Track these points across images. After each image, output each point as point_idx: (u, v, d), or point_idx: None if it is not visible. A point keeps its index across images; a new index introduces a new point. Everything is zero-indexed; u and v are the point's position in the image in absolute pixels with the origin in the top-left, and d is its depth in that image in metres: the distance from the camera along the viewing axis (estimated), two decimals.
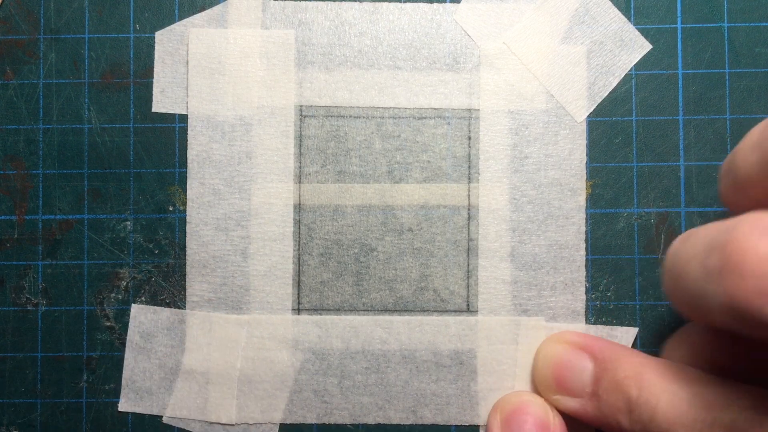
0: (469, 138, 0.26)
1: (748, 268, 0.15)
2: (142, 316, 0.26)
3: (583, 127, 0.26)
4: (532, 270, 0.26)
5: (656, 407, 0.19)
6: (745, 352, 0.20)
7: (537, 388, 0.25)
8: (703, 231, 0.18)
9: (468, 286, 0.26)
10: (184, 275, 0.26)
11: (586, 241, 0.26)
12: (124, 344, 0.26)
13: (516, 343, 0.26)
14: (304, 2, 0.26)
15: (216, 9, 0.26)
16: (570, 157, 0.26)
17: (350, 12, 0.26)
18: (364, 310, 0.26)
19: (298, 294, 0.26)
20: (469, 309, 0.26)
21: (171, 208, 0.26)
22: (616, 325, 0.26)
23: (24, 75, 0.26)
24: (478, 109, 0.26)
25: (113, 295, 0.26)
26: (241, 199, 0.26)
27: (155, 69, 0.26)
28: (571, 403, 0.23)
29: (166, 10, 0.27)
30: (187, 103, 0.26)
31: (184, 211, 0.26)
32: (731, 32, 0.26)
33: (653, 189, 0.26)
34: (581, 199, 0.26)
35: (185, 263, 0.26)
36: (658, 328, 0.26)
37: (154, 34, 0.26)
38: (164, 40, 0.26)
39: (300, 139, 0.26)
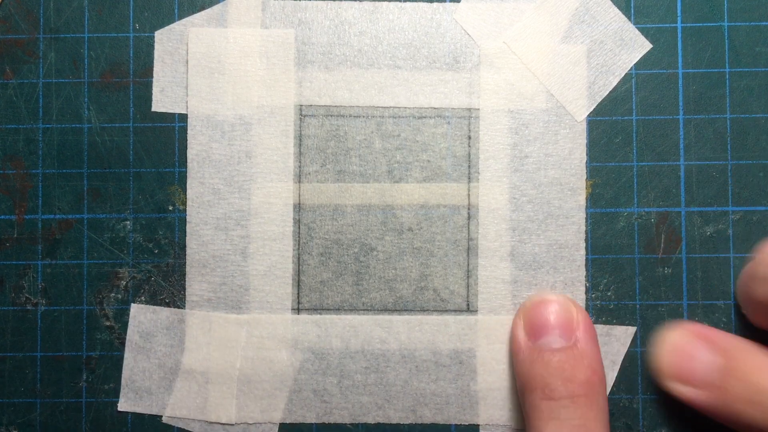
0: (469, 137, 0.26)
1: None
2: (141, 315, 0.26)
3: (583, 126, 0.26)
4: (532, 269, 0.26)
5: None
6: None
7: (656, 375, 0.25)
8: None
9: (468, 286, 0.26)
10: (183, 275, 0.26)
11: (586, 240, 0.26)
12: (123, 344, 0.26)
13: None
14: (303, 1, 0.26)
15: (216, 8, 0.26)
16: (570, 156, 0.26)
17: (350, 11, 0.26)
18: (363, 310, 0.26)
19: (298, 294, 0.26)
20: (469, 308, 0.26)
21: (171, 208, 0.26)
22: (616, 324, 0.26)
23: (23, 74, 0.26)
24: (478, 109, 0.26)
25: (113, 294, 0.26)
26: (241, 198, 0.26)
27: (155, 68, 0.26)
28: (691, 393, 0.23)
29: (166, 9, 0.27)
30: (186, 102, 0.26)
31: (184, 210, 0.26)
32: (731, 31, 0.26)
33: (653, 188, 0.26)
34: (581, 198, 0.26)
35: (185, 263, 0.26)
36: (657, 327, 0.26)
37: (153, 33, 0.26)
38: (164, 39, 0.26)
39: (300, 139, 0.26)
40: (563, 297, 0.25)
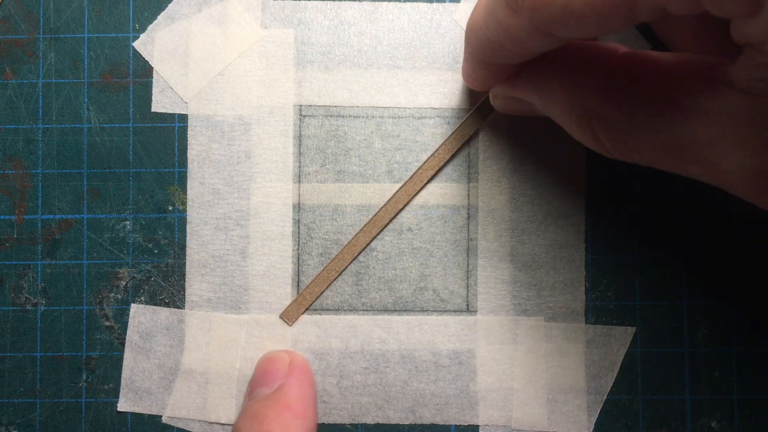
0: (469, 137, 0.26)
1: None
2: (141, 315, 0.26)
3: None
4: (532, 270, 0.26)
5: None
6: None
7: None
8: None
9: (467, 286, 0.26)
10: (183, 275, 0.26)
11: (586, 240, 0.26)
12: (123, 344, 0.26)
13: (515, 342, 0.26)
14: (303, 1, 0.26)
15: (216, 8, 0.26)
16: (570, 156, 0.26)
17: (349, 11, 0.26)
18: (363, 310, 0.26)
19: (298, 294, 0.26)
20: (469, 309, 0.26)
21: (170, 208, 0.26)
22: (616, 324, 0.26)
23: (23, 75, 0.26)
24: None
25: (112, 294, 0.26)
26: (241, 198, 0.26)
27: (155, 69, 0.26)
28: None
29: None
30: (186, 103, 0.26)
31: (184, 211, 0.26)
32: None
33: (654, 189, 0.26)
34: (581, 199, 0.26)
35: (184, 263, 0.26)
36: (657, 328, 0.26)
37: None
38: (164, 39, 0.26)
39: (299, 139, 0.26)
40: (277, 350, 0.26)
